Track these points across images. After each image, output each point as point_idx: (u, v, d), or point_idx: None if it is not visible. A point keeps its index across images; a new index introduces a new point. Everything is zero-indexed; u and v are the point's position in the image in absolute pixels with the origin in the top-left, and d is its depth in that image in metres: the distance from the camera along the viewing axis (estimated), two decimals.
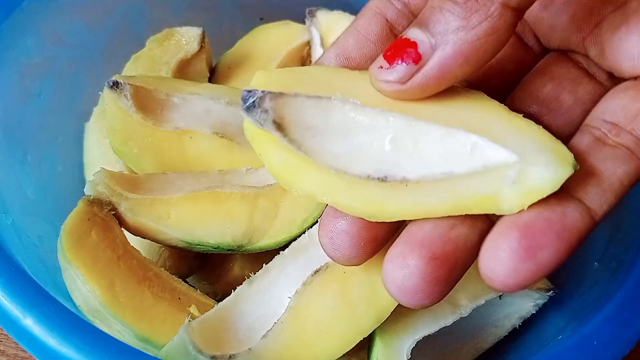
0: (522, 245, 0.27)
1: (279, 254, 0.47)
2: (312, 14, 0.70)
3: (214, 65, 0.69)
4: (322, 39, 0.68)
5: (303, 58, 0.70)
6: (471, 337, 0.50)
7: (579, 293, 0.48)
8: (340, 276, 0.41)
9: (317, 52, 0.68)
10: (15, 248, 0.45)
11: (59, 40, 0.57)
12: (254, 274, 0.46)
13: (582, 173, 0.30)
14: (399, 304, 0.38)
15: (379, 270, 0.32)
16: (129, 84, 0.53)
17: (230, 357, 0.40)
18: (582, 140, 0.32)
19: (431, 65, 0.30)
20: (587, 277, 0.49)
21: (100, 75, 0.59)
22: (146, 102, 0.54)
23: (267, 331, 0.41)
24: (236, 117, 0.56)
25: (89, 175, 0.59)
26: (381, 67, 0.31)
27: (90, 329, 0.37)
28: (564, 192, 0.29)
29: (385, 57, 0.31)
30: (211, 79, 0.67)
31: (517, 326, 0.51)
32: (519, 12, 0.29)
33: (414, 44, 0.30)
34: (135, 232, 0.48)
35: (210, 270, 0.55)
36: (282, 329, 0.41)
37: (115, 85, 0.52)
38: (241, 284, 0.46)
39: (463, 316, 0.46)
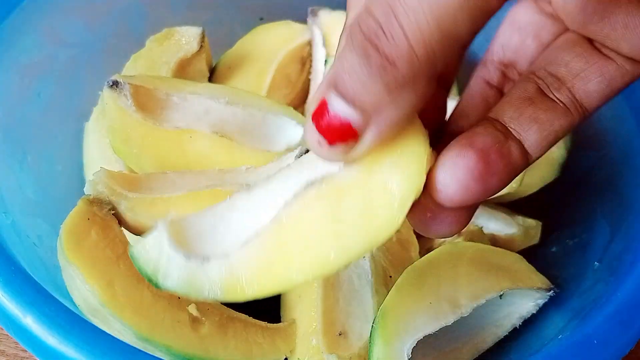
0: (477, 167, 0.30)
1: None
2: (314, 13, 0.70)
3: (214, 65, 0.69)
4: (324, 39, 0.68)
5: (303, 58, 0.70)
6: (471, 336, 0.50)
7: (579, 292, 0.48)
8: (335, 193, 0.37)
9: (319, 52, 0.68)
10: (15, 248, 0.45)
11: (58, 40, 0.58)
12: None
13: (526, 118, 0.32)
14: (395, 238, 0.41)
15: (377, 193, 0.34)
16: (128, 83, 0.53)
17: (203, 259, 0.37)
18: (527, 88, 0.34)
19: (370, 139, 0.31)
20: (587, 277, 0.49)
21: (100, 74, 0.58)
22: (146, 101, 0.54)
23: (247, 240, 0.38)
24: (236, 117, 0.56)
25: (89, 174, 0.59)
26: (319, 143, 0.31)
27: (90, 328, 0.37)
28: (509, 132, 0.32)
29: (322, 133, 0.31)
30: (211, 79, 0.67)
31: (518, 326, 0.51)
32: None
33: (347, 125, 0.30)
34: (135, 231, 0.48)
35: None
36: (263, 240, 0.38)
37: (115, 84, 0.52)
38: None
39: (464, 315, 0.46)
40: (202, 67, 0.64)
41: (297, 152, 0.52)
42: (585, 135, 0.58)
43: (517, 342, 0.49)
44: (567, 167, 0.57)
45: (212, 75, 0.68)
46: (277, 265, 0.37)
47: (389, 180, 0.35)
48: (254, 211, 0.40)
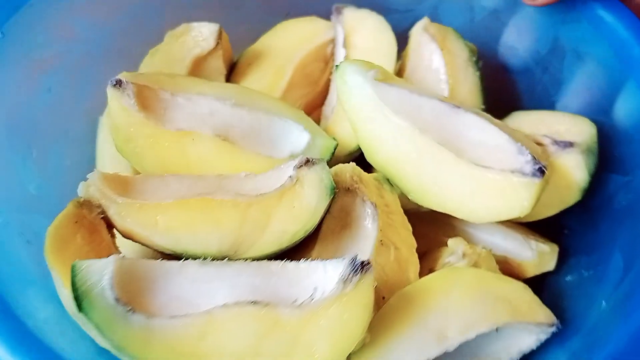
0: None
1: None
2: (339, 11, 0.68)
3: (235, 60, 0.68)
4: (345, 38, 0.65)
5: (326, 57, 0.68)
6: None
7: (582, 334, 0.45)
8: (267, 323, 0.41)
9: (339, 52, 0.66)
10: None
11: (71, 36, 0.58)
12: None
13: None
14: None
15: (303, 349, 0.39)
16: (132, 82, 0.52)
17: (129, 310, 0.40)
18: None
19: None
20: (592, 316, 0.45)
21: (116, 69, 0.58)
22: (150, 101, 0.53)
23: (175, 315, 0.41)
24: (241, 120, 0.55)
25: (100, 167, 0.60)
26: None
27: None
28: None
29: None
30: (230, 76, 0.66)
31: None
32: None
33: None
34: (125, 235, 0.48)
35: None
36: (187, 324, 0.40)
37: (119, 83, 0.52)
38: None
39: (449, 351, 0.43)
40: (218, 64, 0.63)
41: (296, 161, 0.50)
42: (612, 157, 0.53)
43: None
44: (590, 190, 0.53)
45: (232, 71, 0.67)
46: (186, 357, 0.39)
47: (319, 341, 0.40)
48: (195, 289, 0.43)
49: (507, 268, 0.55)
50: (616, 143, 0.53)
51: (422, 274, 0.51)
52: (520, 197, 0.48)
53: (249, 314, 0.41)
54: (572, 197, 0.53)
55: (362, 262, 0.42)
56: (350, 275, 0.42)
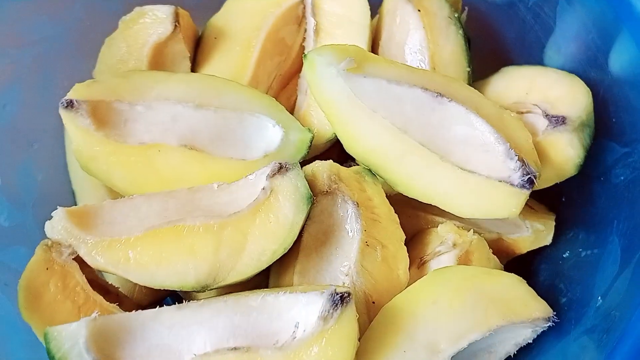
0: None
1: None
2: None
3: (200, 34, 0.62)
4: (313, 4, 0.60)
5: (298, 18, 0.62)
6: None
7: (579, 332, 0.43)
8: None
9: (309, 19, 0.60)
10: None
11: (20, 42, 0.53)
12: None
13: None
14: None
15: None
16: (85, 100, 0.49)
17: None
18: None
19: None
20: (588, 315, 0.44)
21: (74, 64, 0.56)
22: (107, 116, 0.50)
23: None
24: (207, 122, 0.51)
25: (74, 175, 0.58)
26: None
27: None
28: None
29: None
30: (197, 52, 0.61)
31: (512, 354, 0.47)
32: None
33: None
34: (99, 271, 0.47)
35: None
36: None
37: (70, 105, 0.48)
38: None
39: None
40: (180, 47, 0.58)
41: (268, 170, 0.47)
42: (611, 123, 0.49)
43: None
44: (587, 157, 0.50)
45: (198, 47, 0.62)
46: None
47: None
48: (173, 335, 0.41)
49: (501, 245, 0.53)
50: (614, 109, 0.49)
51: (412, 265, 0.50)
52: (508, 204, 0.45)
53: None
54: (567, 171, 0.49)
55: (342, 295, 0.41)
56: (331, 311, 0.40)
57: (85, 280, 0.46)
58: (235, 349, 0.40)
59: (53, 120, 0.57)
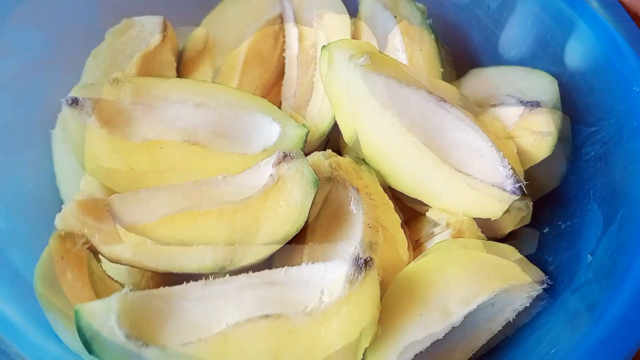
0: None
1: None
2: None
3: (181, 48, 0.65)
4: (295, 14, 0.64)
5: (276, 32, 0.66)
6: (464, 334, 0.49)
7: (573, 290, 0.47)
8: (282, 335, 0.41)
9: (290, 28, 0.64)
10: None
11: (7, 52, 0.53)
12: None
13: None
14: None
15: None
16: (89, 98, 0.50)
17: (142, 345, 0.40)
18: None
19: None
20: (580, 272, 0.48)
21: (60, 77, 0.56)
22: (110, 114, 0.51)
23: (189, 342, 0.41)
24: (207, 120, 0.53)
25: (62, 186, 0.57)
26: None
27: None
28: None
29: None
30: (179, 65, 0.63)
31: (511, 319, 0.50)
32: None
33: None
34: (112, 261, 0.46)
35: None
36: (202, 348, 0.40)
37: (75, 102, 0.49)
38: None
39: (455, 325, 0.45)
40: (168, 57, 0.60)
41: (274, 158, 0.50)
42: (576, 108, 0.55)
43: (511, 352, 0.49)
44: (558, 141, 0.55)
45: (181, 60, 0.64)
46: None
47: (335, 343, 0.41)
48: (202, 311, 0.42)
49: (487, 226, 0.57)
50: (576, 96, 0.55)
51: (409, 248, 0.52)
52: (495, 207, 0.50)
53: (263, 328, 0.41)
54: (542, 153, 0.55)
55: (365, 260, 0.43)
56: (356, 274, 0.42)
57: (101, 268, 0.46)
58: (266, 316, 0.41)
59: (39, 130, 0.57)
